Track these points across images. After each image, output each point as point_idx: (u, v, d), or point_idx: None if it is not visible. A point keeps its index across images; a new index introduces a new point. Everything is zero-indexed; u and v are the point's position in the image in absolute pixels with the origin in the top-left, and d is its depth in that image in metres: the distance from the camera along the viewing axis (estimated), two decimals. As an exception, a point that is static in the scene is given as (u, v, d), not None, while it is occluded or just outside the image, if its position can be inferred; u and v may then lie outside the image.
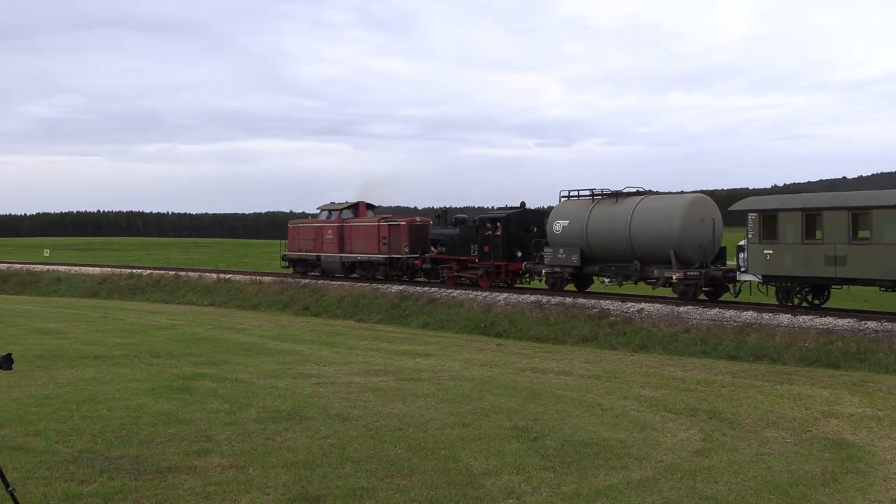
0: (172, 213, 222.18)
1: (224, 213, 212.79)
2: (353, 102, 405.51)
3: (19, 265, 55.36)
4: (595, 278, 29.41)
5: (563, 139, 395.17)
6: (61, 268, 52.48)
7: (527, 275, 31.03)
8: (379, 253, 36.63)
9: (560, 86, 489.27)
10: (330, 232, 38.81)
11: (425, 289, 31.85)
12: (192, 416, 11.07)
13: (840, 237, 21.73)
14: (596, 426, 10.75)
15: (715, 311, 23.51)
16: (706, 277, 25.32)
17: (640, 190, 28.75)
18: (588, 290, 29.94)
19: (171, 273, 44.55)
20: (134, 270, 47.55)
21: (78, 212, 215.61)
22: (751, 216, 23.61)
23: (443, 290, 31.24)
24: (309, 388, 13.37)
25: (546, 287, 30.12)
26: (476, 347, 20.79)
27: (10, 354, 6.37)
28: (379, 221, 37.10)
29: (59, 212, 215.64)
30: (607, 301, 26.35)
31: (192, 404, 11.85)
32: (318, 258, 39.65)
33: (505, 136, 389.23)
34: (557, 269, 29.31)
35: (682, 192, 27.71)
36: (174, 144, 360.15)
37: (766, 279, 23.45)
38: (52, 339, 20.57)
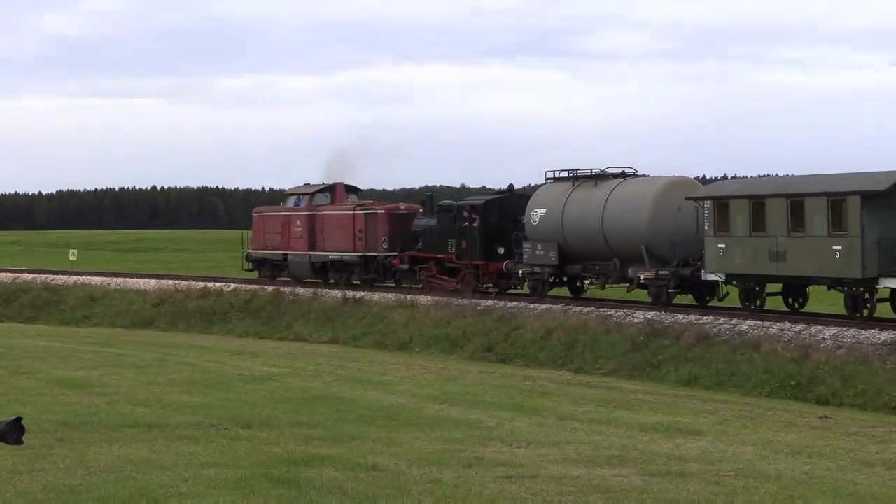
0: (270, 191, 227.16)
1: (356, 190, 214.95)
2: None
3: (31, 275, 58.17)
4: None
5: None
6: (96, 279, 54.88)
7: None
8: (354, 250, 45.12)
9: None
10: (298, 223, 47.72)
11: (689, 318, 32.10)
12: (304, 527, 11.25)
13: (780, 229, 30.29)
14: None
15: None
16: (675, 277, 34.16)
17: (625, 171, 37.85)
18: (583, 296, 39.32)
19: (270, 289, 46.26)
20: (210, 284, 49.60)
21: (121, 189, 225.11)
22: (706, 205, 32.65)
23: (719, 321, 31.55)
24: (494, 485, 13.44)
25: (528, 292, 39.16)
26: (783, 421, 20.47)
27: (19, 420, 6.69)
28: (354, 209, 45.72)
29: (91, 189, 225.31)
30: None
31: (302, 508, 12.10)
32: (286, 258, 48.83)
33: (833, 50, 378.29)
34: (537, 270, 38.32)
35: (661, 176, 36.43)
36: (271, 76, 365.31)
37: (729, 278, 32.46)
38: (80, 395, 21.43)
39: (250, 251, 51.07)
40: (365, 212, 44.92)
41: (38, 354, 30.40)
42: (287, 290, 46.32)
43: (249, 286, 48.42)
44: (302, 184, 49.47)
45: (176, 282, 51.79)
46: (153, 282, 52.48)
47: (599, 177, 37.47)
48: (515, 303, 38.02)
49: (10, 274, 59.76)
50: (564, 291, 40.79)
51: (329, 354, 33.52)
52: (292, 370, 27.08)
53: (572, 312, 34.81)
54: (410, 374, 27.16)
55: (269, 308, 43.94)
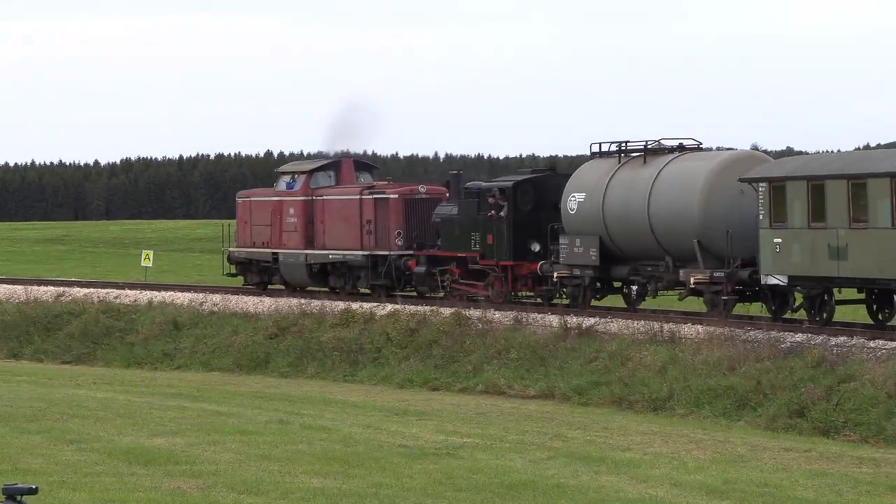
0: (448, 157, 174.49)
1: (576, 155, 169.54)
2: None
3: (83, 289, 50.96)
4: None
5: None
6: (182, 297, 48.36)
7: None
8: (361, 248, 41.85)
9: None
10: (292, 211, 44.57)
11: None
12: None
13: (840, 219, 28.70)
14: None
15: None
16: (732, 280, 32.20)
17: (683, 143, 35.29)
18: (641, 306, 36.33)
19: (447, 314, 38.58)
20: (356, 305, 41.75)
21: (219, 157, 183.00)
22: (760, 188, 30.91)
23: None
24: None
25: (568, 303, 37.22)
26: None
27: None
28: (360, 193, 42.45)
29: (173, 157, 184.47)
30: None
31: None
32: (276, 258, 45.25)
33: None
34: (576, 272, 35.92)
35: (724, 150, 35.07)
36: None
37: (793, 281, 30.59)
38: (159, 475, 19.67)
39: (232, 249, 47.78)
40: (374, 196, 41.86)
41: (95, 412, 27.62)
42: (475, 314, 38.64)
43: (415, 308, 40.33)
44: (307, 160, 47.31)
45: (303, 300, 44.36)
46: (268, 300, 45.62)
47: (650, 151, 35.34)
48: (843, 338, 29.84)
49: (51, 288, 52.34)
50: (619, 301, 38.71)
51: (540, 416, 29.20)
52: (482, 440, 24.22)
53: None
54: (671, 450, 23.62)
55: (445, 342, 37.36)
